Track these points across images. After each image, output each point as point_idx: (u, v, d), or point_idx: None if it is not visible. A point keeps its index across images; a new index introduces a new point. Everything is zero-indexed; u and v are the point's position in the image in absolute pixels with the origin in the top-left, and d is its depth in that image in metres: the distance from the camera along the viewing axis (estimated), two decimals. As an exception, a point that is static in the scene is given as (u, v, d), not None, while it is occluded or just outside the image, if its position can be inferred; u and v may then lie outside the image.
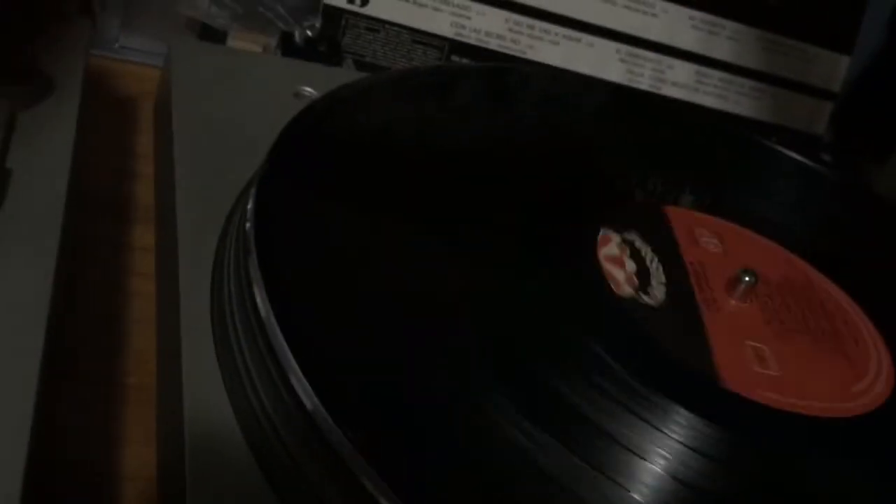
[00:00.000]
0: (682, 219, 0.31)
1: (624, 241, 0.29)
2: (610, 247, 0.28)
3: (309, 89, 0.33)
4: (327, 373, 0.21)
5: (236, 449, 0.21)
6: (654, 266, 0.28)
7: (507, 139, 0.32)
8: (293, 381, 0.20)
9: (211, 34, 0.41)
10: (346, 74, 0.38)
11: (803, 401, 0.25)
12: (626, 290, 0.27)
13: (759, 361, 0.26)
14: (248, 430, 0.21)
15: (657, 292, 0.27)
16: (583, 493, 0.20)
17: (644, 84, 0.45)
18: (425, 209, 0.27)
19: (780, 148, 0.37)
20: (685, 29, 0.45)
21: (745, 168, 0.37)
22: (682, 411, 0.23)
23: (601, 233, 0.29)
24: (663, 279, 0.28)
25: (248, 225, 0.24)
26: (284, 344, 0.21)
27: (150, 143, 0.36)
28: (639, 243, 0.29)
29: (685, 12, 0.45)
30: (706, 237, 0.31)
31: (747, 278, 0.27)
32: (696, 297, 0.27)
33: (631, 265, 0.28)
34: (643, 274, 0.28)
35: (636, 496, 0.21)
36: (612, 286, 0.27)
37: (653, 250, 0.29)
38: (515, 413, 0.21)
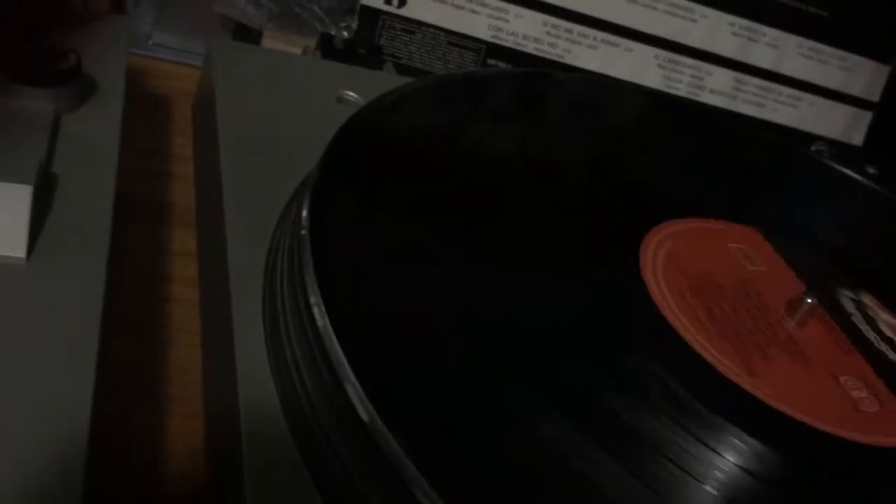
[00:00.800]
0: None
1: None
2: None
3: (352, 94, 0.33)
4: (384, 384, 0.20)
5: (293, 463, 0.21)
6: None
7: (563, 146, 0.32)
8: (349, 391, 0.20)
9: (245, 33, 0.40)
10: (387, 78, 0.37)
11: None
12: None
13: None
14: (302, 442, 0.21)
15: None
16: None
17: (682, 91, 0.45)
18: (481, 215, 0.27)
19: (824, 160, 0.36)
20: (725, 35, 0.45)
21: (787, 179, 0.37)
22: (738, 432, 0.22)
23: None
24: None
25: (303, 232, 0.23)
26: (342, 354, 0.20)
27: (185, 143, 0.35)
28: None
29: (725, 18, 0.45)
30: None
31: (809, 300, 0.26)
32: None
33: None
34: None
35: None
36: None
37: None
38: (563, 421, 0.21)
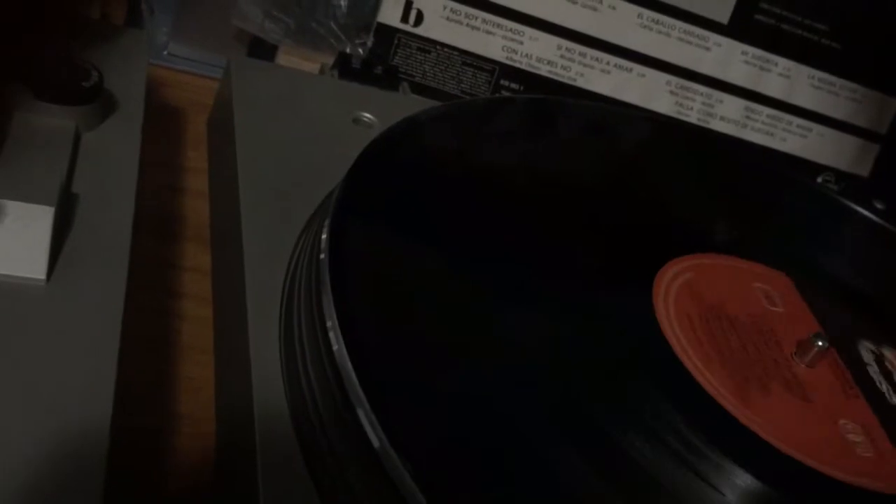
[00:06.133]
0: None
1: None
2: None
3: (368, 115, 0.33)
4: (396, 410, 0.20)
5: (305, 484, 0.21)
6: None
7: (587, 174, 0.32)
8: (360, 415, 0.20)
9: (260, 47, 0.40)
10: (402, 99, 0.37)
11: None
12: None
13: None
14: (314, 464, 0.21)
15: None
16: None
17: (692, 118, 0.45)
18: (501, 241, 0.27)
19: (836, 195, 0.37)
20: (737, 63, 0.45)
21: (819, 223, 0.36)
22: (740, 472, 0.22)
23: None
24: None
25: (322, 256, 0.23)
26: (355, 378, 0.20)
27: (197, 156, 0.35)
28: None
29: (739, 47, 0.45)
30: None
31: (820, 343, 0.26)
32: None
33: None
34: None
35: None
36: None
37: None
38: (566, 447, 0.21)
